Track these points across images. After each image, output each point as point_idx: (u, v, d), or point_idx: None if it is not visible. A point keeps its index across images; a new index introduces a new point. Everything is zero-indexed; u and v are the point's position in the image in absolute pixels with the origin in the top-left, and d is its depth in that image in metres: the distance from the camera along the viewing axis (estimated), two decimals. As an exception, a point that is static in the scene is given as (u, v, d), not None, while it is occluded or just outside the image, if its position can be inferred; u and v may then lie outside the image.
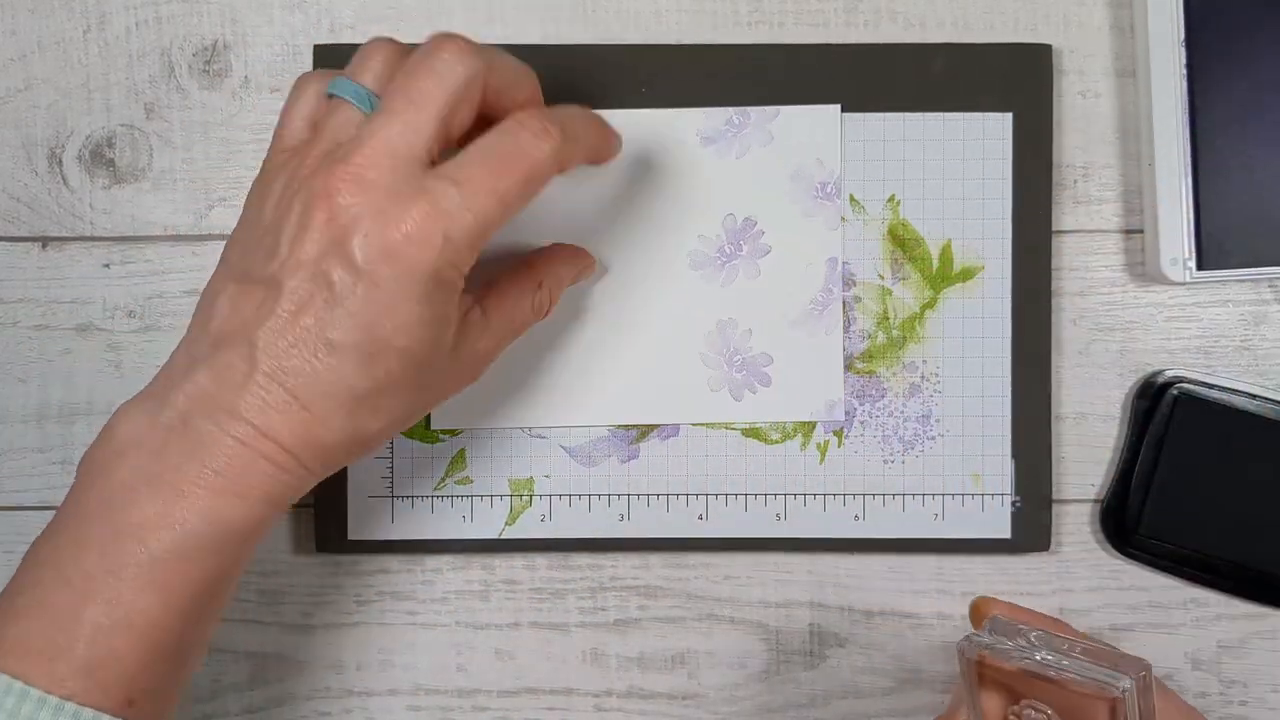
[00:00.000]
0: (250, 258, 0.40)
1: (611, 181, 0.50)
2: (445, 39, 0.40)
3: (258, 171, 0.43)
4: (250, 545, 0.40)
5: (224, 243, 0.42)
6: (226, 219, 0.51)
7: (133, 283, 0.51)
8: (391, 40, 0.42)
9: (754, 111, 0.50)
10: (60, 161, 0.51)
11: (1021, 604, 0.51)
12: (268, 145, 0.51)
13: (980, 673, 0.40)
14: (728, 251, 0.50)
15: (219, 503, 0.38)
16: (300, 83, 0.44)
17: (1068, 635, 0.42)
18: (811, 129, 0.50)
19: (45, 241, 0.51)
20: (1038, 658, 0.39)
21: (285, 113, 0.43)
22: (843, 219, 0.50)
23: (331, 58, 0.50)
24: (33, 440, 0.51)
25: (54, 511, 0.39)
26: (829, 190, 0.50)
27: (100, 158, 0.51)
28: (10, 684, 0.36)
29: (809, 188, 0.50)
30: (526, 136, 0.39)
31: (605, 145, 0.44)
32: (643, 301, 0.50)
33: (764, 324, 0.50)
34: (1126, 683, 0.38)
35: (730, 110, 0.50)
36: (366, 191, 0.38)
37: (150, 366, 0.51)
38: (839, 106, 0.50)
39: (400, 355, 0.39)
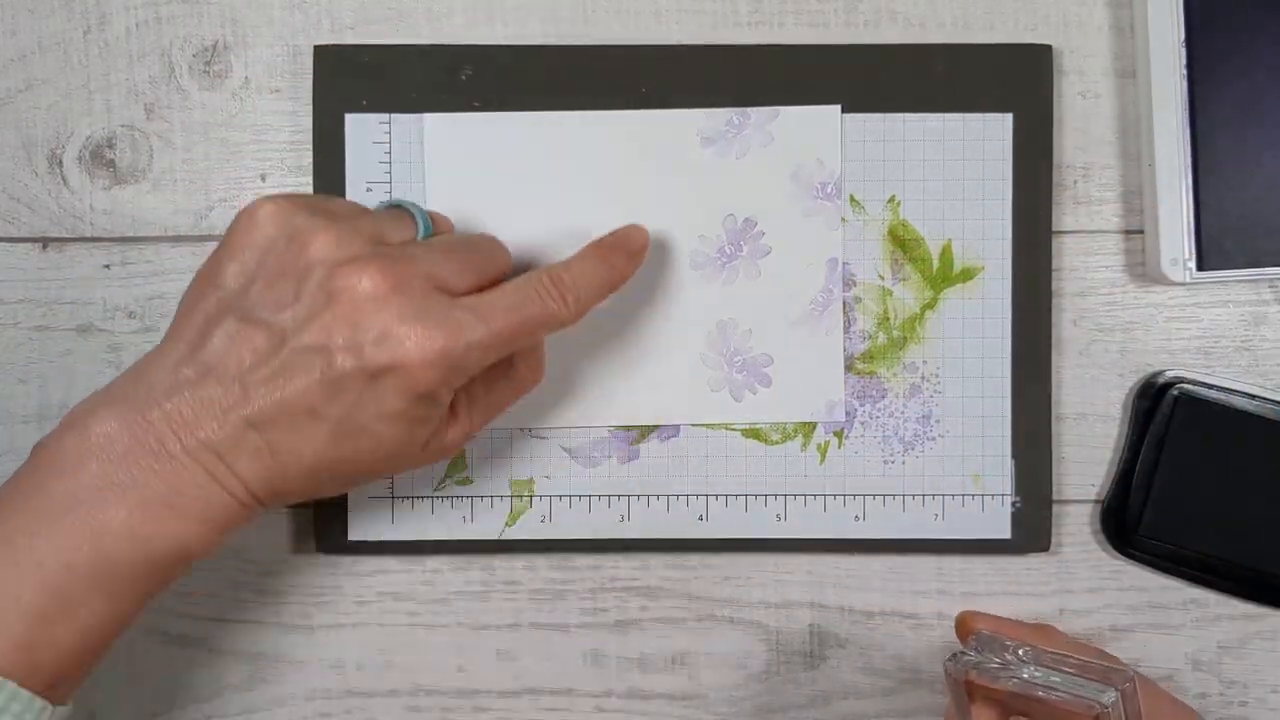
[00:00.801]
0: (257, 296, 0.40)
1: (613, 181, 0.50)
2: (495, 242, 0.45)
3: (250, 203, 0.42)
4: (191, 565, 0.41)
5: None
6: (227, 219, 0.51)
7: (133, 283, 0.51)
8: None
9: (754, 112, 0.50)
10: (60, 162, 0.51)
11: (1022, 604, 0.51)
12: (267, 145, 0.51)
13: (969, 690, 0.40)
14: (728, 252, 0.50)
15: (181, 526, 0.39)
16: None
17: (1054, 644, 0.42)
18: (811, 129, 0.50)
19: (45, 242, 0.51)
20: (1024, 676, 0.39)
21: (336, 205, 0.44)
22: (843, 219, 0.50)
23: (332, 59, 0.50)
24: (33, 440, 0.51)
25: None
26: (829, 190, 0.50)
27: (100, 158, 0.51)
28: None
29: (809, 188, 0.50)
30: (551, 302, 0.42)
31: (618, 282, 0.46)
32: (643, 302, 0.50)
33: (764, 324, 0.50)
34: (1111, 696, 0.38)
35: (730, 111, 0.50)
36: (401, 295, 0.40)
37: (150, 367, 0.51)
38: (839, 107, 0.50)
39: (373, 440, 0.41)
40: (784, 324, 0.50)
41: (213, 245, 0.51)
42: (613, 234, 0.47)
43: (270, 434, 0.40)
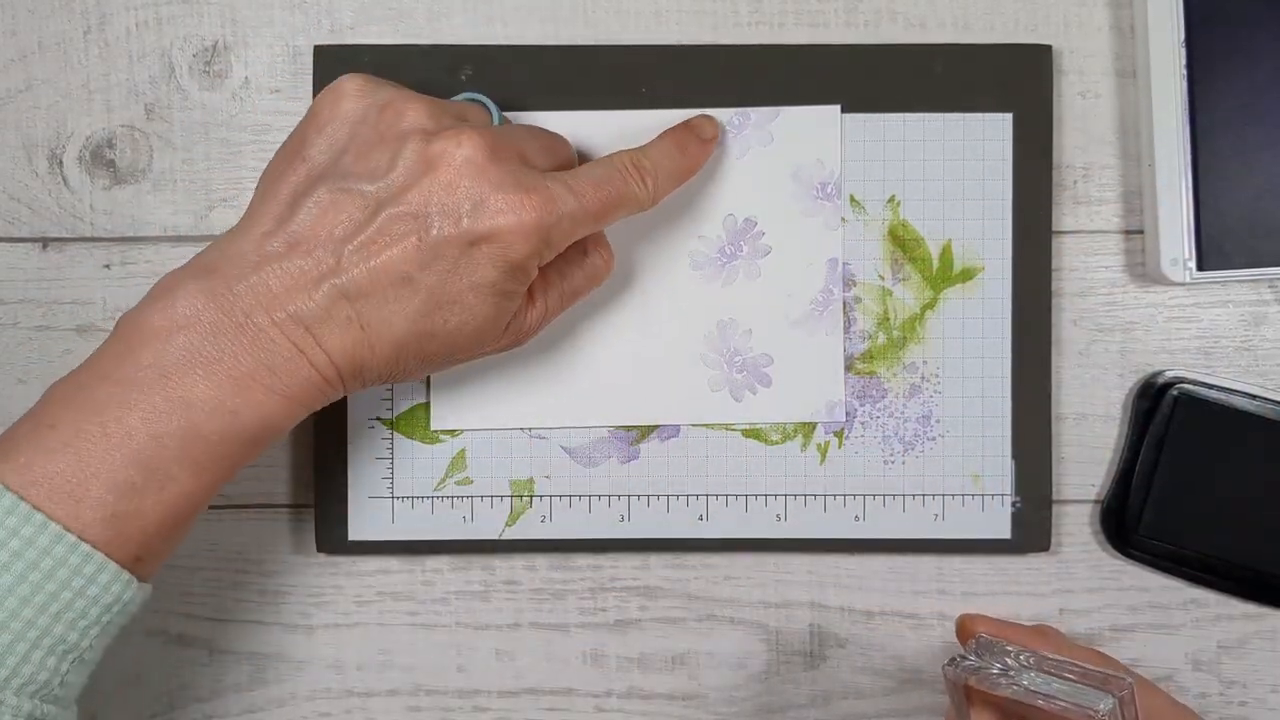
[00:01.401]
0: (349, 166, 0.40)
1: None
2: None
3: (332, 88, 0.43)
4: (273, 442, 0.41)
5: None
6: (227, 219, 0.51)
7: (133, 283, 0.51)
8: None
9: (754, 112, 0.50)
10: (61, 162, 0.51)
11: (1022, 604, 0.51)
12: (267, 145, 0.51)
13: (968, 693, 0.41)
14: (728, 252, 0.50)
15: (268, 400, 0.39)
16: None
17: (1054, 646, 0.42)
18: (812, 129, 0.50)
19: (46, 242, 0.51)
20: (1023, 683, 0.39)
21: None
22: (843, 219, 0.50)
23: (332, 59, 0.50)
24: (33, 441, 0.51)
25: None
26: (829, 190, 0.50)
27: (100, 158, 0.51)
28: (31, 514, 0.37)
29: (809, 188, 0.50)
30: (634, 183, 0.44)
31: (692, 169, 0.47)
32: (643, 302, 0.50)
33: (764, 324, 0.50)
34: (1108, 703, 0.38)
35: (730, 111, 0.50)
36: (497, 165, 0.40)
37: (150, 367, 0.51)
38: (839, 107, 0.50)
39: (462, 312, 0.41)
40: (784, 324, 0.50)
41: (213, 245, 0.51)
42: (685, 122, 0.48)
43: (362, 304, 0.40)
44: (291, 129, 0.41)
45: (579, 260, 0.46)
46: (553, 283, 0.45)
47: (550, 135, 0.45)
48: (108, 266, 0.51)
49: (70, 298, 0.51)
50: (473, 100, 0.46)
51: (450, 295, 0.40)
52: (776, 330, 0.50)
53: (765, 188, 0.50)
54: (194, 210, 0.51)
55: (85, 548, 0.37)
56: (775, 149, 0.50)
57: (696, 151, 0.47)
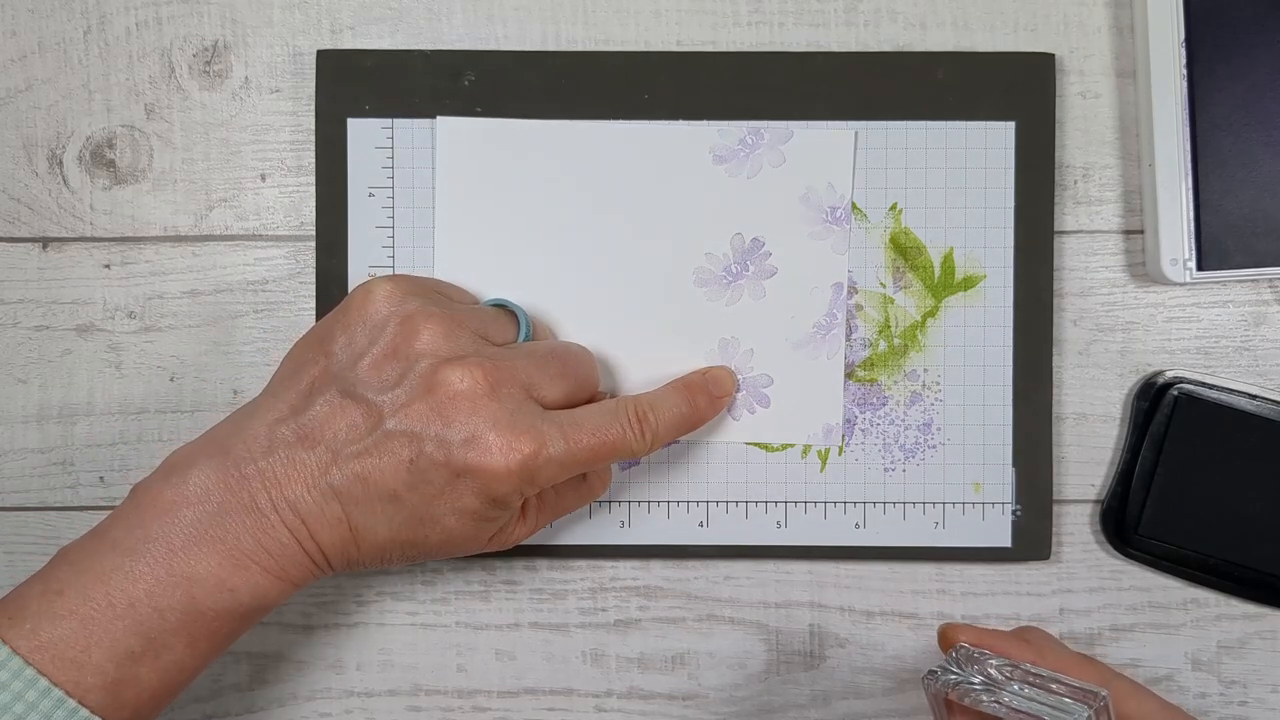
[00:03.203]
0: (363, 374, 0.42)
1: (622, 193, 0.50)
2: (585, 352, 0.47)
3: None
4: (262, 618, 0.43)
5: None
6: (226, 219, 0.51)
7: (133, 283, 0.51)
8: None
9: (768, 132, 0.50)
10: (61, 162, 0.51)
11: (1022, 604, 0.51)
12: (267, 145, 0.51)
13: (948, 703, 0.41)
14: (734, 270, 0.50)
15: (264, 581, 0.41)
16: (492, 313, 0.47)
17: (1038, 650, 0.42)
18: (825, 152, 0.50)
19: (45, 242, 0.51)
20: (1004, 699, 0.39)
21: (480, 313, 0.46)
22: (849, 232, 0.50)
23: (334, 62, 0.50)
24: (33, 441, 0.51)
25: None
26: (838, 215, 0.50)
27: (100, 158, 0.51)
28: (36, 680, 0.38)
29: (819, 211, 0.50)
30: (631, 434, 0.44)
31: (698, 423, 0.48)
32: (646, 317, 0.50)
33: (766, 345, 0.50)
34: (1083, 713, 0.38)
35: (745, 129, 0.50)
36: (495, 401, 0.41)
37: (150, 367, 0.51)
38: (854, 132, 0.50)
39: (444, 531, 0.43)
40: (786, 346, 0.50)
41: (212, 245, 0.51)
42: (701, 373, 0.49)
43: (351, 508, 0.41)
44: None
45: (575, 484, 0.47)
46: (547, 502, 0.47)
47: (567, 356, 0.45)
48: (108, 266, 0.51)
49: (70, 298, 0.51)
50: (502, 306, 0.47)
51: (433, 515, 0.42)
52: (778, 351, 0.50)
53: (775, 208, 0.50)
54: (194, 210, 0.51)
55: (85, 713, 0.38)
56: (787, 170, 0.50)
57: (706, 408, 0.48)
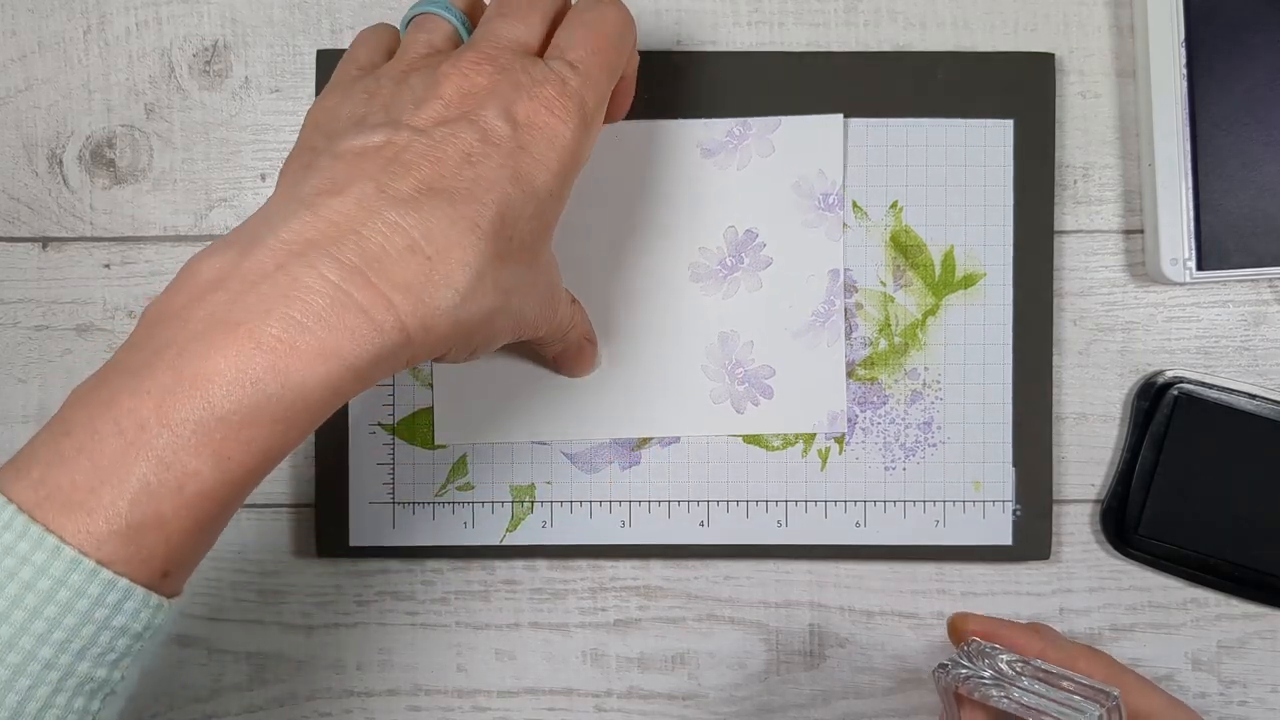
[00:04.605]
0: (351, 127, 0.37)
1: (612, 194, 0.50)
2: None
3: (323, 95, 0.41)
4: (320, 418, 0.34)
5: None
6: (226, 219, 0.51)
7: (133, 283, 0.51)
8: None
9: (755, 123, 0.50)
10: (60, 162, 0.51)
11: (1022, 604, 0.51)
12: (267, 145, 0.51)
13: (958, 696, 0.41)
14: (729, 264, 0.50)
15: (298, 363, 0.32)
16: (369, 29, 0.44)
17: (1048, 644, 0.42)
18: (814, 140, 0.50)
19: (45, 242, 0.51)
20: (1014, 695, 0.39)
21: (357, 44, 0.43)
22: (844, 226, 0.50)
23: (333, 61, 0.50)
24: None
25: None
26: (831, 201, 0.50)
27: (100, 158, 0.51)
28: (43, 537, 0.31)
29: (811, 199, 0.50)
30: (606, 8, 0.40)
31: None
32: (644, 314, 0.50)
33: (766, 336, 0.50)
34: (1095, 711, 0.38)
35: (731, 122, 0.50)
36: (501, 71, 0.37)
37: (150, 367, 0.51)
38: (841, 117, 0.50)
39: (526, 223, 0.37)
40: (785, 335, 0.50)
41: (213, 245, 0.51)
42: None
43: (420, 229, 0.34)
44: (292, 129, 0.41)
45: (579, 315, 0.47)
46: (579, 317, 0.47)
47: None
48: (108, 266, 0.51)
49: (70, 298, 0.51)
50: (425, 14, 0.42)
51: (517, 198, 0.36)
52: (778, 341, 0.50)
53: (766, 199, 0.50)
54: (194, 210, 0.51)
55: (106, 574, 0.31)
56: (776, 159, 0.50)
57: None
